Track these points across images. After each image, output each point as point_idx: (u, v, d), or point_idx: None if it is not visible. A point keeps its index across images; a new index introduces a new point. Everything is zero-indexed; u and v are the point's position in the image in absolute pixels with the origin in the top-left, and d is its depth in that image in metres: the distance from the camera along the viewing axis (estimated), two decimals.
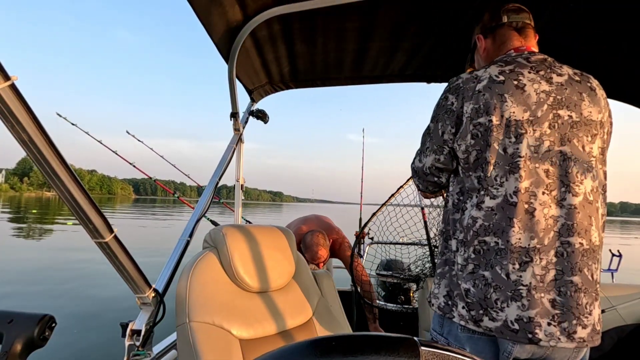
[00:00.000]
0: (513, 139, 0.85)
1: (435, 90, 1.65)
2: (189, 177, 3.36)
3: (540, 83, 0.87)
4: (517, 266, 0.82)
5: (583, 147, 0.86)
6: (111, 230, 0.79)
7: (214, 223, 2.38)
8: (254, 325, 1.04)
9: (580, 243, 0.83)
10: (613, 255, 2.74)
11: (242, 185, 2.08)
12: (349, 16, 1.47)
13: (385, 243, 2.70)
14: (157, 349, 1.32)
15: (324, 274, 1.41)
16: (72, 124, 2.70)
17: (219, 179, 1.65)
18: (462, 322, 0.87)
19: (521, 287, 0.82)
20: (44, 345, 0.56)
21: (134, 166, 2.91)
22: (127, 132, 2.95)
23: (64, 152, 0.64)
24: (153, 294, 1.01)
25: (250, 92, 2.10)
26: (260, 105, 2.21)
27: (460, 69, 1.93)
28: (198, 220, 1.41)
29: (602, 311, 1.72)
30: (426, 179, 1.02)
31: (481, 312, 0.84)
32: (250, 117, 2.09)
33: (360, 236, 2.67)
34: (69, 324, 4.13)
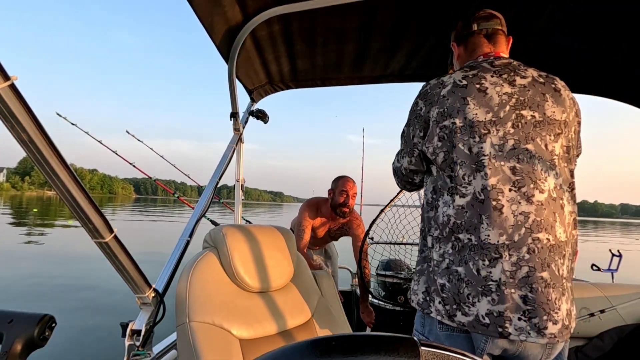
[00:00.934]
0: (477, 139, 0.89)
1: None
2: (189, 177, 3.36)
3: (503, 86, 0.92)
4: (486, 262, 0.85)
5: (546, 145, 0.90)
6: (111, 230, 0.79)
7: (214, 223, 2.38)
8: (254, 325, 1.04)
9: (547, 239, 0.85)
10: (613, 255, 2.74)
11: (242, 185, 2.08)
12: (349, 16, 1.47)
13: (385, 243, 2.70)
14: (157, 349, 1.32)
15: (324, 274, 1.41)
16: (72, 124, 2.70)
17: (219, 179, 1.65)
18: (439, 317, 0.90)
19: (491, 282, 0.84)
20: (44, 345, 0.56)
21: (134, 166, 2.91)
22: (127, 131, 2.96)
23: (64, 152, 0.64)
24: (153, 294, 1.01)
25: (250, 92, 2.10)
26: (259, 105, 2.21)
27: None
28: (198, 220, 1.41)
29: (602, 311, 1.74)
30: (403, 179, 1.11)
31: (455, 307, 0.87)
32: (250, 117, 2.09)
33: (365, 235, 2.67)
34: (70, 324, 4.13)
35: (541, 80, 0.95)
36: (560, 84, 0.97)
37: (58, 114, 2.71)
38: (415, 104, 1.00)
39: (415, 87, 1.54)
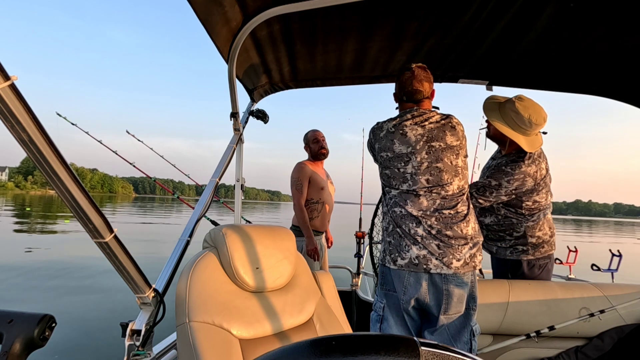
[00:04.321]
0: (403, 164, 1.47)
1: (436, 89, 1.66)
2: (189, 177, 3.35)
3: (417, 129, 1.47)
4: (414, 225, 1.41)
5: (451, 162, 1.45)
6: (111, 230, 0.79)
7: (214, 223, 2.38)
8: (254, 325, 1.04)
9: (449, 213, 1.41)
10: (613, 255, 2.73)
11: (242, 185, 2.08)
12: (349, 16, 1.47)
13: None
14: (157, 348, 1.32)
15: (324, 274, 1.41)
16: (72, 124, 2.70)
17: (219, 179, 1.65)
18: (388, 264, 1.44)
19: (417, 237, 1.39)
20: (44, 345, 0.56)
21: (134, 166, 2.91)
22: (127, 131, 2.96)
23: (64, 152, 0.64)
24: (153, 294, 1.01)
25: (250, 92, 2.10)
26: (260, 105, 2.21)
27: (460, 69, 1.93)
28: (198, 220, 1.41)
29: (602, 311, 1.74)
30: None
31: (396, 254, 1.42)
32: (250, 117, 2.09)
33: (377, 235, 2.70)
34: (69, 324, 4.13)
35: (442, 122, 1.47)
36: (455, 120, 1.49)
37: (58, 114, 2.71)
38: (369, 136, 1.62)
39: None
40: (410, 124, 1.47)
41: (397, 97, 1.61)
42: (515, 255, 1.91)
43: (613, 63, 1.56)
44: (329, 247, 3.01)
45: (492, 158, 2.02)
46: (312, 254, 2.55)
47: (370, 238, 2.36)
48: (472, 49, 1.71)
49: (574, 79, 1.83)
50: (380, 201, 2.38)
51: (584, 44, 1.49)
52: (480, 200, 1.78)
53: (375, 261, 2.67)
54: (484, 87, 2.05)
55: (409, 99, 1.54)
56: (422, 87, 1.52)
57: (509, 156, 1.82)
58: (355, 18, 1.48)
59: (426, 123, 1.47)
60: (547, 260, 1.91)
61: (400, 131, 1.47)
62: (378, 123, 1.56)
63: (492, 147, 2.03)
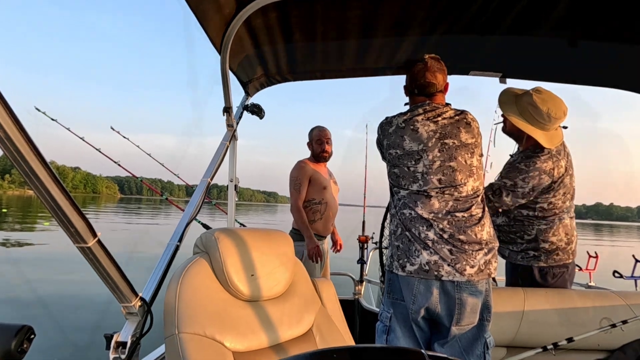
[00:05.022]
0: (413, 162, 1.46)
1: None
2: (178, 176, 3.35)
3: (429, 125, 1.46)
4: (424, 228, 1.40)
5: (465, 161, 1.45)
6: (94, 234, 0.79)
7: (205, 226, 2.38)
8: (249, 337, 1.04)
9: (463, 216, 1.40)
10: (637, 261, 2.73)
11: (236, 186, 2.08)
12: (351, 3, 1.47)
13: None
14: None
15: (325, 281, 1.41)
16: (52, 119, 2.70)
17: (211, 179, 1.65)
18: (395, 271, 1.43)
19: (428, 241, 1.38)
20: (22, 358, 0.56)
21: (119, 165, 2.91)
22: (112, 128, 2.95)
23: (43, 149, 0.64)
24: (140, 303, 1.01)
25: (244, 85, 2.10)
26: (254, 98, 2.21)
27: (472, 60, 1.93)
28: (188, 224, 1.41)
29: (624, 322, 1.73)
30: None
31: (405, 260, 1.40)
32: (245, 112, 2.08)
33: (384, 240, 2.69)
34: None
35: (457, 117, 1.48)
36: (470, 117, 1.50)
37: (37, 109, 2.71)
38: (377, 133, 1.62)
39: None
40: (422, 119, 1.47)
41: (408, 89, 1.60)
42: (525, 261, 1.90)
43: (630, 54, 1.56)
44: (338, 250, 3.01)
45: (511, 155, 1.99)
46: (312, 254, 2.53)
47: (380, 243, 2.36)
48: (484, 39, 1.71)
49: (593, 71, 1.84)
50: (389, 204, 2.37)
51: (601, 35, 1.49)
52: (497, 204, 1.78)
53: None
54: (497, 79, 2.05)
55: (421, 92, 1.54)
56: (436, 80, 1.52)
57: (525, 152, 1.81)
58: (357, 5, 1.48)
59: (439, 119, 1.47)
60: (563, 270, 1.89)
61: (411, 127, 1.47)
62: (387, 118, 1.56)
63: (508, 144, 2.03)
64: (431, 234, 1.38)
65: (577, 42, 1.60)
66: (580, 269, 2.85)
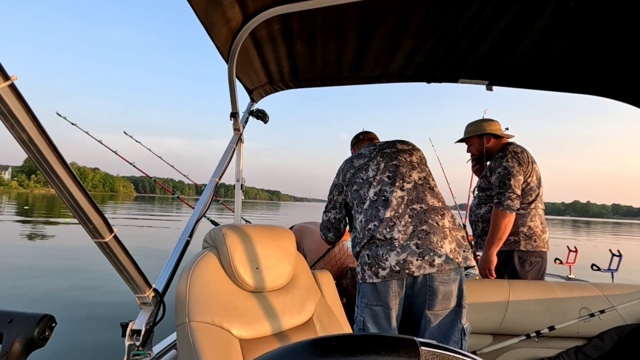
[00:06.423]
0: (364, 172, 1.59)
1: (435, 89, 1.67)
2: (187, 177, 3.36)
3: (369, 147, 1.67)
4: (388, 230, 1.39)
5: (405, 159, 1.57)
6: (111, 230, 0.79)
7: (214, 223, 2.38)
8: (254, 325, 1.04)
9: (421, 207, 1.44)
10: (613, 255, 2.74)
11: (242, 185, 2.08)
12: (349, 16, 1.47)
13: None
14: (157, 348, 1.32)
15: (324, 274, 1.41)
16: (72, 124, 2.70)
17: (219, 179, 1.65)
18: (370, 280, 1.38)
19: (394, 241, 1.37)
20: (44, 345, 0.56)
21: (134, 166, 2.91)
22: (125, 132, 2.94)
23: (64, 151, 0.64)
24: (153, 294, 1.01)
25: (250, 92, 2.10)
26: (259, 105, 2.20)
27: (460, 68, 1.93)
28: (198, 220, 1.41)
29: (602, 311, 1.74)
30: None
31: (377, 267, 1.37)
32: (250, 117, 2.09)
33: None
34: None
35: (403, 147, 1.64)
36: (410, 145, 1.67)
37: (58, 114, 2.71)
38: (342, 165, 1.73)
39: (415, 87, 1.55)
40: (364, 150, 1.70)
41: (352, 144, 1.98)
42: (507, 246, 1.96)
43: (613, 63, 1.56)
44: None
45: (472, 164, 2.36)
46: None
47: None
48: (472, 49, 1.71)
49: (574, 79, 1.83)
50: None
51: (584, 44, 1.49)
52: (511, 203, 1.90)
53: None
54: (484, 87, 2.05)
55: (365, 139, 1.94)
56: (374, 135, 1.95)
57: (496, 157, 2.06)
58: (355, 18, 1.48)
59: (377, 142, 1.74)
60: (538, 259, 1.94)
61: (361, 161, 1.66)
62: (346, 159, 1.75)
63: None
64: (395, 233, 1.37)
65: (561, 51, 1.59)
66: (561, 262, 2.86)
